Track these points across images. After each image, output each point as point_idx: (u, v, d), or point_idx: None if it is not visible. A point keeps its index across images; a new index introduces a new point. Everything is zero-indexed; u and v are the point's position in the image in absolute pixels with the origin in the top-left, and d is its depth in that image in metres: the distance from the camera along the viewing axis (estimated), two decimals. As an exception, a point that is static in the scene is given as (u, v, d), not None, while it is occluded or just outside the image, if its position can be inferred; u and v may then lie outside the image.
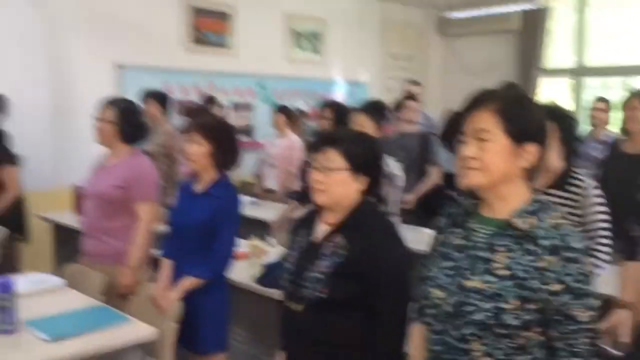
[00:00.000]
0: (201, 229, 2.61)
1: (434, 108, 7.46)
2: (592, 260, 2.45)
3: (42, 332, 2.21)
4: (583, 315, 1.36)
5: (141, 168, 3.03)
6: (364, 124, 3.39)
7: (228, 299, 2.73)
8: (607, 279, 2.58)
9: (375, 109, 3.47)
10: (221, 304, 2.71)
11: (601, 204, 2.49)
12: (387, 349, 1.77)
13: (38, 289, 2.73)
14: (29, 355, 2.07)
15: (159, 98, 5.01)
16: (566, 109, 2.63)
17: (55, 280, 2.86)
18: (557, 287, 1.36)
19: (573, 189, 2.48)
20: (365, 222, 1.84)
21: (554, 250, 1.37)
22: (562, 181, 2.50)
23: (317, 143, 1.90)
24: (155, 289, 2.69)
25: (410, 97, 4.81)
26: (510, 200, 1.46)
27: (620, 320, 2.26)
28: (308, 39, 7.30)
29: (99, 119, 3.01)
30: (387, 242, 1.82)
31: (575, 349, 1.37)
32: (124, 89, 5.56)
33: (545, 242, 1.38)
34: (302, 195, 3.79)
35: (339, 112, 3.86)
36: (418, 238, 3.63)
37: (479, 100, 1.47)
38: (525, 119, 1.44)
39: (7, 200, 3.95)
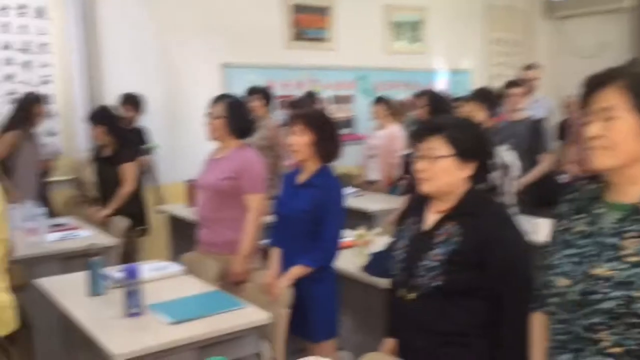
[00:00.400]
0: (304, 218, 2.67)
1: (544, 93, 7.13)
2: None
3: (165, 315, 2.36)
4: None
5: (250, 160, 3.14)
6: (474, 113, 3.32)
7: (336, 287, 2.78)
8: None
9: (484, 97, 3.39)
10: (330, 292, 2.75)
11: None
12: (515, 338, 1.71)
13: (160, 275, 2.91)
14: (155, 337, 2.20)
15: (263, 94, 5.20)
16: None
17: (175, 268, 3.03)
18: None
19: None
20: (477, 208, 1.80)
21: None
22: None
23: (421, 132, 1.88)
24: (265, 276, 2.78)
25: (512, 84, 4.61)
26: (639, 183, 1.38)
27: None
28: (408, 29, 7.22)
29: (210, 115, 3.15)
30: (503, 227, 1.78)
31: None
32: (229, 87, 5.79)
33: None
34: (409, 187, 3.77)
35: (434, 100, 3.82)
36: (531, 228, 3.51)
37: (605, 77, 1.39)
38: None
39: (123, 194, 4.22)
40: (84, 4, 5.10)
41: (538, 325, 1.61)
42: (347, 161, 6.32)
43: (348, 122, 6.81)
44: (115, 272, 2.81)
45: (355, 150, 6.03)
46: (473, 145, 1.83)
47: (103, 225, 4.19)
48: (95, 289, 2.64)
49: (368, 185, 5.50)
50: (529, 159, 4.35)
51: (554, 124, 5.70)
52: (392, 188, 5.01)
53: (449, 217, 1.83)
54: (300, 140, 2.69)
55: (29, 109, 4.47)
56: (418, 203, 1.95)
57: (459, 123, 1.90)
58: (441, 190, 1.83)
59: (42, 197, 4.69)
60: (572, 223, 1.49)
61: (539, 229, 3.56)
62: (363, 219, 4.36)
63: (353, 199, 4.78)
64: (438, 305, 1.77)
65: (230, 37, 5.92)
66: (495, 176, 3.22)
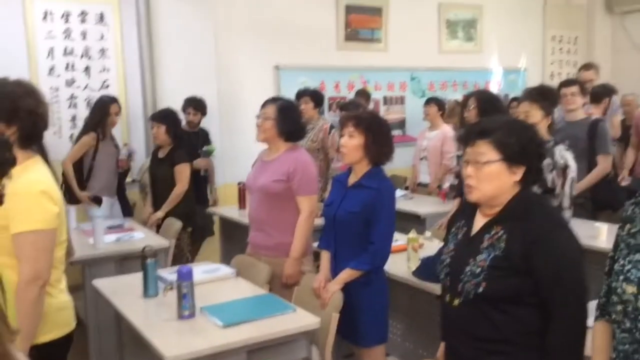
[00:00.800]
0: (354, 220, 2.65)
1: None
2: None
3: (216, 318, 2.38)
4: None
5: (302, 162, 3.13)
6: (530, 112, 3.22)
7: (387, 292, 2.74)
8: None
9: (541, 96, 3.28)
10: (380, 297, 2.72)
11: None
12: (564, 349, 1.64)
13: (211, 277, 2.94)
14: (206, 340, 2.22)
15: (313, 96, 5.21)
16: None
17: (227, 270, 3.07)
18: None
19: None
20: (527, 213, 1.73)
21: None
22: None
23: (467, 135, 1.82)
24: (315, 280, 2.77)
25: (567, 82, 4.44)
26: None
27: None
28: (462, 27, 7.09)
29: (261, 117, 3.17)
30: (552, 231, 1.69)
31: None
32: (281, 89, 5.83)
33: None
34: (460, 190, 3.69)
35: (484, 101, 3.71)
36: (590, 232, 3.38)
37: None
38: None
39: (176, 195, 4.31)
40: (139, 8, 5.23)
41: (601, 335, 1.55)
42: (398, 163, 6.25)
43: (399, 124, 6.75)
44: (169, 273, 2.86)
45: (407, 152, 5.96)
46: (521, 149, 1.75)
47: (157, 225, 4.28)
48: (150, 290, 2.69)
49: (419, 188, 5.43)
50: (587, 161, 4.20)
51: (615, 124, 5.46)
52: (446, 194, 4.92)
53: (495, 221, 1.77)
54: (351, 142, 2.67)
55: (105, 110, 4.66)
56: (468, 207, 1.90)
57: (507, 125, 1.82)
58: (490, 197, 1.77)
59: (121, 197, 4.87)
60: (639, 227, 1.43)
61: (598, 233, 3.43)
62: (414, 222, 4.31)
63: (404, 201, 4.73)
64: (482, 312, 1.72)
65: (283, 38, 5.96)
66: (552, 177, 3.12)
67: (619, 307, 1.41)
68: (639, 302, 1.35)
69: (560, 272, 1.65)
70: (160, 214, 4.30)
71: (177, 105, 4.89)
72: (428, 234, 3.65)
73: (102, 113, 4.66)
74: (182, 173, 4.36)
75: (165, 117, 4.40)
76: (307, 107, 5.06)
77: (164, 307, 2.55)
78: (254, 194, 3.24)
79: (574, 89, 4.26)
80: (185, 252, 4.27)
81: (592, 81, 5.01)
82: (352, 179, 2.75)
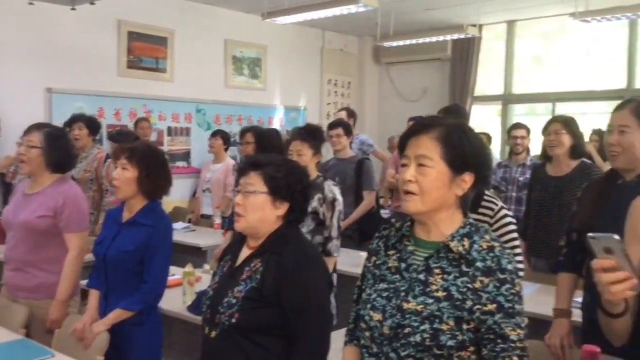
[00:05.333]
0: (127, 259, 2.52)
1: (372, 133, 7.61)
2: (519, 280, 2.54)
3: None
4: (513, 333, 1.39)
5: (71, 196, 2.89)
6: (302, 151, 3.40)
7: (160, 330, 2.65)
8: (533, 297, 2.70)
9: (310, 135, 3.49)
10: (153, 336, 2.61)
11: (511, 223, 2.59)
12: None
13: (-46, 324, 2.58)
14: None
15: (87, 122, 4.86)
16: (475, 135, 2.73)
17: (-26, 315, 2.71)
18: (490, 307, 1.39)
19: (484, 210, 2.58)
20: (283, 248, 1.84)
21: (488, 272, 1.41)
22: (474, 204, 2.60)
23: (243, 167, 1.92)
24: (80, 320, 2.58)
25: (330, 126, 4.80)
26: (445, 225, 1.49)
27: (562, 327, 2.34)
28: (248, 65, 7.32)
29: (23, 145, 2.89)
30: (304, 268, 1.81)
31: None
32: (54, 114, 5.42)
33: (480, 264, 1.43)
34: (231, 224, 3.76)
35: (260, 136, 3.91)
36: (356, 261, 3.68)
37: (422, 126, 1.50)
38: (465, 148, 1.47)
39: None
40: None
41: (350, 358, 1.65)
42: (181, 194, 6.25)
43: (184, 155, 6.69)
44: None
45: (191, 184, 5.93)
46: (287, 186, 1.87)
47: None
48: None
49: (201, 220, 5.41)
50: (354, 195, 4.59)
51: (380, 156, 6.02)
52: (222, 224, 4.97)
53: (256, 254, 1.86)
54: (123, 175, 2.55)
55: None
56: (237, 240, 1.96)
57: (278, 163, 1.94)
58: (253, 227, 1.86)
59: None
60: (384, 259, 1.56)
61: (362, 262, 3.74)
62: (195, 254, 4.28)
63: (185, 234, 4.68)
64: (236, 343, 1.77)
65: (58, 61, 5.57)
66: (322, 210, 3.34)
67: (367, 333, 1.52)
68: (384, 328, 1.47)
69: (305, 306, 1.77)
70: None
71: None
72: (207, 266, 3.64)
73: None
74: None
75: None
76: (81, 134, 4.74)
77: None
78: (14, 230, 2.91)
79: (339, 130, 4.65)
80: None
81: (342, 119, 5.42)
82: (126, 215, 2.61)
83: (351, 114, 5.65)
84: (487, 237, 1.49)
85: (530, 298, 2.66)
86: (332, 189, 3.40)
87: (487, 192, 2.65)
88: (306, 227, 3.31)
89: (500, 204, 2.63)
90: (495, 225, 2.58)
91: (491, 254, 1.44)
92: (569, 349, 2.27)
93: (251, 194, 1.85)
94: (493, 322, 1.40)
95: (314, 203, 3.34)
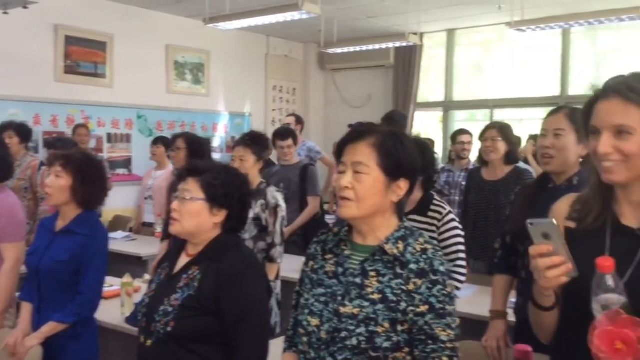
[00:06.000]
0: (61, 270, 2.44)
1: (317, 138, 7.64)
2: (450, 281, 2.60)
3: None
4: (444, 334, 1.42)
5: (7, 206, 2.79)
6: (245, 157, 3.39)
7: (96, 343, 2.57)
8: (471, 299, 2.76)
9: (253, 141, 3.48)
10: (88, 349, 2.53)
11: (457, 228, 2.67)
12: None
13: None
14: None
15: (17, 130, 4.68)
16: (425, 142, 2.82)
17: None
18: (423, 308, 1.42)
19: (432, 214, 2.65)
20: (222, 255, 1.82)
21: (421, 274, 1.44)
22: (423, 207, 2.67)
23: (181, 173, 1.90)
24: (12, 335, 2.47)
25: (281, 137, 4.79)
26: (382, 230, 1.52)
27: (498, 329, 2.39)
28: (191, 70, 7.23)
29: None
30: (242, 275, 1.80)
31: None
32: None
33: (414, 266, 1.45)
34: (168, 232, 3.69)
35: (191, 142, 3.88)
36: (300, 267, 3.66)
37: (358, 133, 1.52)
38: (400, 155, 1.50)
39: None
40: None
41: None
42: (123, 203, 6.09)
43: (125, 162, 6.53)
44: None
45: (132, 192, 5.79)
46: (225, 194, 1.86)
47: None
48: None
49: (143, 229, 5.29)
50: (299, 201, 4.59)
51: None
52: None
53: (194, 262, 1.84)
54: (56, 183, 2.47)
55: None
56: (174, 247, 1.93)
57: (218, 170, 1.92)
58: (189, 233, 1.84)
59: None
60: (322, 263, 1.58)
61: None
62: (136, 264, 4.18)
63: (126, 243, 4.56)
64: (172, 352, 1.74)
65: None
66: (265, 216, 3.33)
67: (305, 339, 1.52)
68: (322, 333, 1.48)
69: (244, 313, 1.75)
70: None
71: None
72: (147, 276, 3.56)
73: None
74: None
75: None
76: (12, 142, 4.53)
77: None
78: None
79: (290, 141, 4.63)
80: None
81: (289, 125, 5.48)
82: (60, 224, 2.53)
83: (299, 120, 5.67)
84: (421, 239, 1.52)
85: (468, 300, 2.74)
86: (275, 195, 3.40)
87: (436, 197, 2.73)
88: (249, 233, 3.30)
89: (448, 208, 2.71)
90: (442, 229, 2.66)
91: (424, 256, 1.47)
92: (505, 350, 2.33)
93: (188, 200, 1.83)
94: (424, 323, 1.42)
95: (257, 209, 3.33)
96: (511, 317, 2.46)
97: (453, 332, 1.44)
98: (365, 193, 1.47)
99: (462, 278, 2.68)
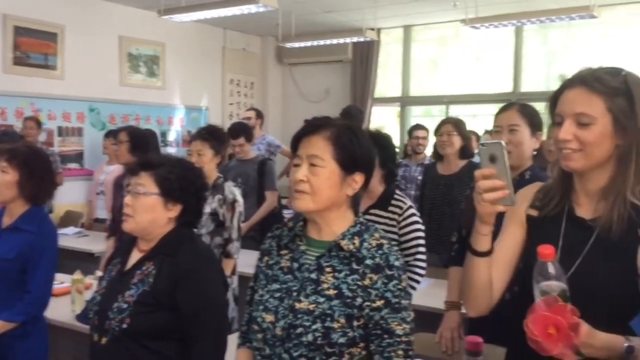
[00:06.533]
0: (8, 267, 2.36)
1: (276, 133, 7.60)
2: (410, 275, 2.64)
3: None
4: (399, 328, 1.43)
5: None
6: (203, 151, 3.34)
7: (46, 341, 2.50)
8: (427, 291, 2.80)
9: (211, 135, 3.44)
10: (38, 348, 2.46)
11: (418, 223, 2.70)
12: None
13: None
14: None
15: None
16: (386, 136, 2.83)
17: None
18: (379, 303, 1.42)
19: (393, 209, 2.67)
20: (177, 249, 1.79)
21: (377, 269, 1.44)
22: (384, 202, 2.69)
23: (134, 167, 1.85)
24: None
25: (234, 136, 4.75)
26: (337, 224, 1.51)
27: (452, 320, 2.43)
28: (145, 63, 7.08)
29: None
30: (198, 270, 1.78)
31: None
32: None
33: (369, 262, 1.45)
34: (115, 229, 3.62)
35: (134, 136, 3.82)
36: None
37: (314, 127, 1.51)
38: (355, 149, 1.49)
39: None
40: None
41: None
42: (74, 198, 5.93)
43: (77, 157, 6.35)
44: None
45: (84, 186, 5.65)
46: (180, 188, 1.82)
47: None
48: None
49: (95, 224, 5.17)
50: (257, 196, 4.56)
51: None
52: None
53: (148, 257, 1.80)
54: (2, 179, 2.39)
55: None
56: (126, 243, 1.90)
57: (172, 163, 1.88)
58: (143, 229, 1.81)
59: None
60: (277, 259, 1.56)
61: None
62: (87, 260, 4.08)
63: (77, 239, 4.45)
64: (128, 349, 1.71)
65: None
66: (222, 211, 3.30)
67: (260, 335, 1.50)
68: (277, 329, 1.46)
69: (200, 308, 1.73)
70: None
71: None
72: (99, 273, 3.47)
73: None
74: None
75: None
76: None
77: None
78: None
79: (241, 140, 4.58)
80: None
81: (249, 119, 5.45)
82: (6, 220, 2.45)
83: (259, 114, 5.62)
84: (376, 234, 1.52)
85: (423, 292, 2.77)
86: (233, 190, 3.37)
87: (397, 192, 2.75)
88: (205, 228, 3.26)
89: (409, 203, 2.73)
90: (403, 223, 2.68)
91: (380, 252, 1.47)
92: (458, 341, 2.37)
93: (141, 195, 1.78)
94: (380, 318, 1.43)
95: (214, 204, 3.30)
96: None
97: (408, 325, 1.45)
98: (321, 186, 1.46)
99: (422, 272, 2.71)
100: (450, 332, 2.40)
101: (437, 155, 3.99)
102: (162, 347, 1.71)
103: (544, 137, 2.36)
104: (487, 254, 1.37)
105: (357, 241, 1.48)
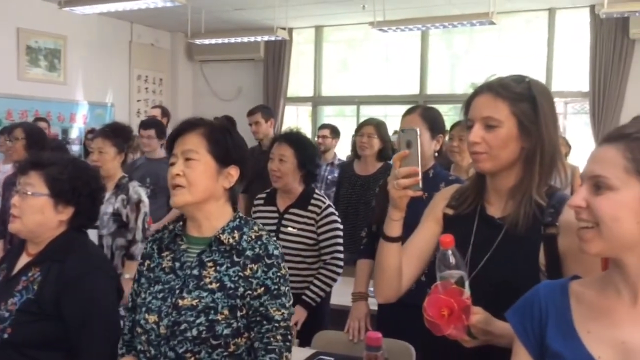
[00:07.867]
0: None
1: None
2: (328, 273, 2.68)
3: None
4: (278, 314, 1.48)
5: None
6: (104, 148, 3.22)
7: None
8: (338, 289, 2.85)
9: (114, 133, 3.31)
10: None
11: (336, 222, 2.74)
12: None
13: None
14: None
15: None
16: (305, 137, 2.86)
17: None
18: (259, 290, 1.47)
19: (312, 208, 2.70)
20: (65, 255, 1.71)
21: (256, 259, 1.49)
22: (303, 201, 2.72)
23: (23, 166, 1.76)
24: None
25: (143, 125, 4.61)
26: (216, 219, 1.54)
27: (360, 310, 2.49)
28: (45, 56, 6.71)
29: None
30: (86, 276, 1.70)
31: (269, 347, 1.47)
32: None
33: (249, 253, 1.49)
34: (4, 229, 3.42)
35: (31, 132, 3.65)
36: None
37: (190, 124, 1.55)
38: (228, 143, 1.54)
39: None
40: None
41: None
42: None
43: (-32, 155, 5.93)
44: None
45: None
46: (73, 189, 1.75)
47: None
48: None
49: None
50: (166, 197, 4.44)
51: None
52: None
53: (35, 262, 1.72)
54: None
55: None
56: (16, 246, 1.81)
57: (65, 163, 1.79)
58: (30, 231, 1.72)
59: None
60: (158, 261, 1.56)
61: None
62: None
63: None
64: None
65: None
66: (126, 212, 3.19)
67: (143, 337, 1.50)
68: (161, 328, 1.46)
69: (88, 316, 1.66)
70: None
71: None
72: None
73: None
74: None
75: None
76: None
77: None
78: None
79: (151, 132, 4.47)
80: None
81: (155, 117, 5.32)
82: None
83: (165, 112, 5.48)
84: (255, 227, 1.57)
85: (333, 290, 2.80)
86: (138, 190, 3.27)
87: (317, 192, 2.78)
88: (107, 229, 3.15)
89: (327, 202, 2.77)
90: (321, 222, 2.72)
91: (259, 242, 1.52)
92: (365, 330, 2.43)
93: (29, 195, 1.69)
94: (260, 304, 1.47)
95: (117, 204, 3.19)
96: (373, 305, 2.55)
97: (287, 311, 1.51)
98: (197, 178, 1.49)
99: (339, 270, 2.75)
100: (358, 321, 2.46)
101: (355, 155, 4.06)
102: (48, 358, 1.64)
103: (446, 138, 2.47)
104: (398, 239, 1.45)
105: (237, 235, 1.52)
